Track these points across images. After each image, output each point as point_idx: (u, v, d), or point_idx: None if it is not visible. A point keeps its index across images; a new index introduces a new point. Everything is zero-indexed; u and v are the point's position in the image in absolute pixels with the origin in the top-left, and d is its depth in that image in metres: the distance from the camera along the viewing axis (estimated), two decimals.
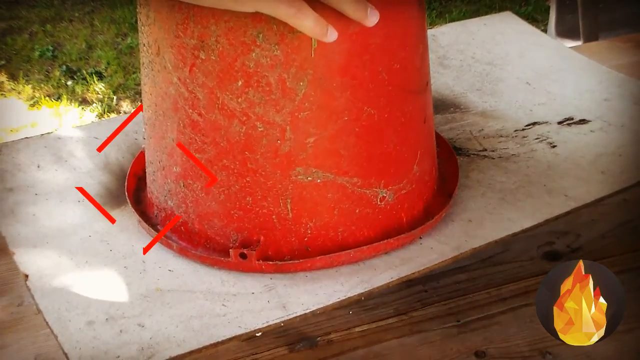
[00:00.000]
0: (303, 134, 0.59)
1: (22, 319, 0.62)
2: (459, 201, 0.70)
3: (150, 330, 0.56)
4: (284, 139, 0.58)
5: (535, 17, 2.86)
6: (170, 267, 0.64)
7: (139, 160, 0.74)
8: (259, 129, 0.58)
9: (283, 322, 0.58)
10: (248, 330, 0.57)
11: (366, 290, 0.61)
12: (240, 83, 0.57)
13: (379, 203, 0.63)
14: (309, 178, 0.60)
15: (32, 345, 0.60)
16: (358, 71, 0.58)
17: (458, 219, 0.68)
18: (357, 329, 0.61)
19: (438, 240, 0.66)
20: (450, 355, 0.59)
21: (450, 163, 0.74)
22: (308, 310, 0.59)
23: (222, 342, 0.56)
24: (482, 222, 0.67)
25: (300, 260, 0.62)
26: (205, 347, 0.55)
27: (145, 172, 0.72)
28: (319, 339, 0.61)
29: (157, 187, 0.67)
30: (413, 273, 0.62)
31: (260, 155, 0.59)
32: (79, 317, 0.58)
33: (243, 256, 0.62)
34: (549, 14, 1.42)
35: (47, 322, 0.58)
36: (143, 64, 0.63)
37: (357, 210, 0.63)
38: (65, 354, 0.54)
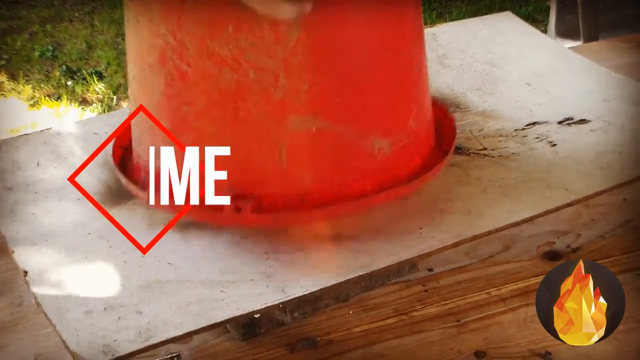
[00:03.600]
0: (297, 80, 0.56)
1: (22, 318, 0.62)
2: (459, 197, 0.70)
3: (149, 316, 0.56)
4: (277, 85, 0.56)
5: (535, 17, 2.86)
6: (169, 260, 0.64)
7: (122, 130, 0.72)
8: (251, 76, 0.56)
9: (282, 303, 0.57)
10: (246, 312, 0.56)
11: (366, 272, 0.60)
12: (230, 29, 0.55)
13: (375, 154, 0.61)
14: (303, 126, 0.58)
15: (32, 345, 0.60)
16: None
17: (458, 211, 0.68)
18: (357, 329, 0.61)
19: (438, 230, 0.65)
20: (450, 356, 0.59)
21: (447, 124, 0.73)
22: (307, 292, 0.57)
23: (220, 324, 0.55)
24: (482, 213, 0.67)
25: (296, 213, 0.60)
26: (204, 328, 0.55)
27: (130, 143, 0.71)
28: (319, 339, 0.61)
29: (144, 149, 0.66)
30: (413, 257, 0.61)
31: (252, 104, 0.57)
32: (77, 307, 0.58)
33: (237, 209, 0.59)
34: (549, 14, 1.42)
35: (45, 313, 0.58)
36: (128, 19, 0.61)
37: (353, 161, 0.61)
38: (63, 341, 0.54)
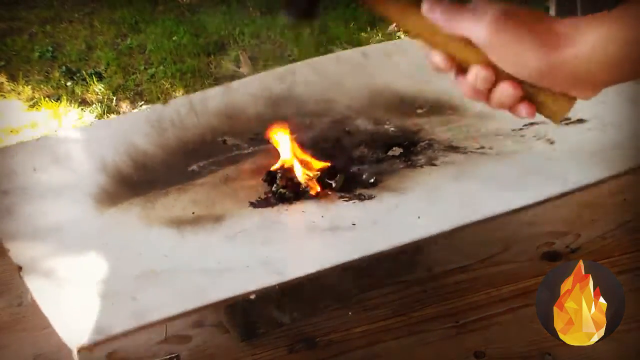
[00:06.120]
0: None
1: (22, 319, 0.62)
2: (457, 191, 0.69)
3: (143, 300, 0.56)
4: None
5: None
6: (165, 253, 0.63)
7: None
8: None
9: (279, 284, 0.56)
10: (242, 292, 0.56)
11: (363, 255, 0.59)
12: None
13: None
14: None
15: (31, 345, 0.60)
16: None
17: (456, 202, 0.67)
18: (356, 329, 0.61)
19: (436, 218, 0.65)
20: (449, 356, 0.58)
21: None
22: (304, 274, 0.57)
23: (216, 304, 0.55)
24: (480, 202, 0.67)
25: None
26: (199, 309, 0.55)
27: None
28: (318, 339, 0.61)
29: None
30: (409, 242, 0.60)
31: None
32: (71, 298, 0.58)
33: None
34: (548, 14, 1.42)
35: (40, 306, 0.57)
36: None
37: None
38: (58, 332, 0.54)
